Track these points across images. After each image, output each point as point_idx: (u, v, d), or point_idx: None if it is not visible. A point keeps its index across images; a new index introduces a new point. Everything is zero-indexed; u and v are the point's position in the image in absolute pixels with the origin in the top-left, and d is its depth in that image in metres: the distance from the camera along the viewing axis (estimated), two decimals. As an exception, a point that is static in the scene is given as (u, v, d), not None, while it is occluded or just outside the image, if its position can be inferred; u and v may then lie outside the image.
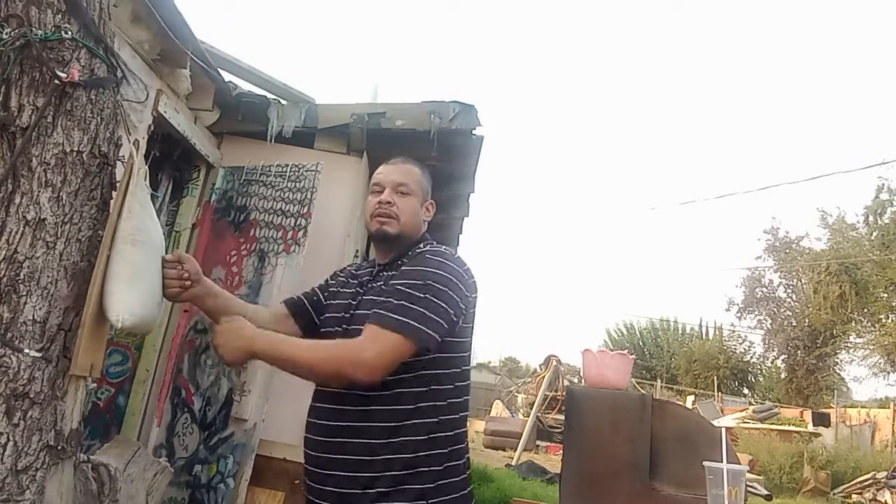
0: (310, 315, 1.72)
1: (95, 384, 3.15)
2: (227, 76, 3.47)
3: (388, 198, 1.61)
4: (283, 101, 3.63)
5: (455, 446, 1.49)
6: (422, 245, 1.61)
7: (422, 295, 1.43)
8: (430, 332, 1.41)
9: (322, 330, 1.65)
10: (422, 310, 1.41)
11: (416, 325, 1.39)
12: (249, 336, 1.42)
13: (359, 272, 1.72)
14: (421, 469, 1.41)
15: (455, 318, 1.47)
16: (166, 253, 1.54)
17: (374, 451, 1.41)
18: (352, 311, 1.56)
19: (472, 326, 1.59)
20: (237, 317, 1.51)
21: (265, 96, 3.61)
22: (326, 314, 1.67)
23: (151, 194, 3.21)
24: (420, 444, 1.42)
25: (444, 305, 1.44)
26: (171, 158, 3.48)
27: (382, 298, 1.46)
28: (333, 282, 1.77)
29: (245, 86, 3.63)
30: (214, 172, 3.63)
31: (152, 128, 2.88)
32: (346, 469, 1.42)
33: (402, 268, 1.53)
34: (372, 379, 1.38)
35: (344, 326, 1.55)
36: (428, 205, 1.71)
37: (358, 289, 1.62)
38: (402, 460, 1.40)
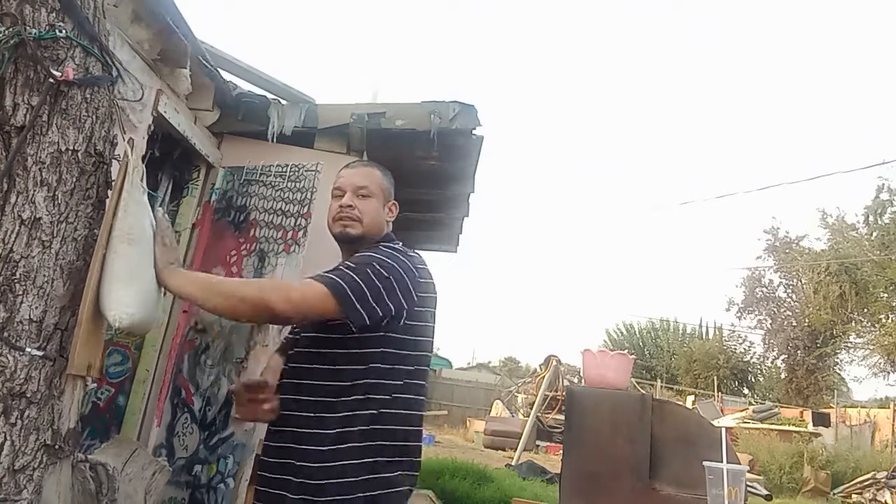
0: None
1: (96, 384, 3.15)
2: (227, 76, 3.47)
3: (349, 201, 1.67)
4: (283, 101, 3.63)
5: (396, 442, 1.50)
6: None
7: (362, 272, 1.47)
8: (358, 305, 1.43)
9: (294, 330, 1.76)
10: (360, 284, 1.45)
11: (348, 291, 1.43)
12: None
13: None
14: (353, 461, 1.44)
15: (393, 309, 1.49)
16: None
17: (310, 426, 1.46)
18: None
19: (427, 327, 1.60)
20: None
21: (265, 96, 3.61)
22: None
23: (151, 194, 3.22)
24: (357, 434, 1.45)
25: (382, 291, 1.47)
26: (171, 158, 3.47)
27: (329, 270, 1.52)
28: None
29: (245, 86, 3.63)
30: (214, 172, 3.63)
31: (152, 128, 2.88)
32: (283, 456, 1.49)
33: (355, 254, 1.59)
34: (287, 312, 1.43)
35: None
36: (391, 205, 1.76)
37: None
38: (337, 436, 1.44)
